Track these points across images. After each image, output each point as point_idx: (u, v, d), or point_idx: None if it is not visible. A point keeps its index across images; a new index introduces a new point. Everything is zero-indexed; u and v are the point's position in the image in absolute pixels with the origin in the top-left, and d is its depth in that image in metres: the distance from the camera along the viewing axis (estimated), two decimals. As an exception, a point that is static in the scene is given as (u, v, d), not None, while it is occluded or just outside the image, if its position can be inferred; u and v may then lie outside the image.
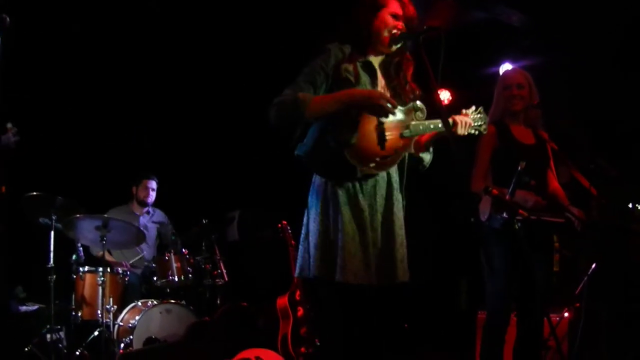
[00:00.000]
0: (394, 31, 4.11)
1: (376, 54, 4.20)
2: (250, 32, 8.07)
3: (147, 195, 8.53)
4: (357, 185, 3.99)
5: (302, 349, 6.90)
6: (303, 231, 4.07)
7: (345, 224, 3.91)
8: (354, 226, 3.95)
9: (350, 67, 4.04)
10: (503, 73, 5.79)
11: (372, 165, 3.99)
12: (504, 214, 4.90)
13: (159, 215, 8.75)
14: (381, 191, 4.11)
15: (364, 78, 4.09)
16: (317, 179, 4.05)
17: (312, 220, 3.99)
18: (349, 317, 3.98)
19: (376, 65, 4.20)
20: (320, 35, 4.18)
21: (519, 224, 4.73)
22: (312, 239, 3.95)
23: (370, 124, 3.92)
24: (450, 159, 3.81)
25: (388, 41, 4.12)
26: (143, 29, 7.85)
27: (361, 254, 3.95)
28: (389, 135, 3.97)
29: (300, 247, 4.07)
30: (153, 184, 8.56)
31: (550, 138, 5.70)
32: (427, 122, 4.11)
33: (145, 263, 8.15)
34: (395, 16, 4.12)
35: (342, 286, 3.88)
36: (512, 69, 5.78)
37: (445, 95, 7.92)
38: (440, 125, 4.07)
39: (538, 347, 5.48)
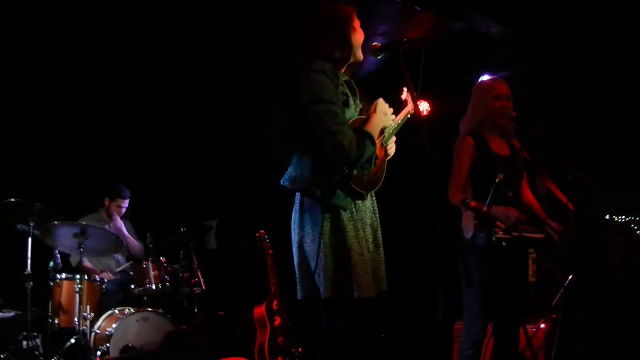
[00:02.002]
0: (375, 43, 4.14)
1: (344, 69, 4.22)
2: (229, 41, 8.05)
3: (120, 213, 8.54)
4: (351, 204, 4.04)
5: (279, 359, 6.90)
6: (299, 254, 4.08)
7: (352, 242, 3.96)
8: (358, 243, 4.00)
9: (344, 89, 4.07)
10: (488, 82, 5.73)
11: (373, 186, 4.06)
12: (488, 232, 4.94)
13: (128, 226, 8.73)
14: (370, 203, 4.15)
15: (350, 98, 4.12)
16: (306, 202, 4.06)
17: (310, 242, 4.00)
18: (357, 332, 4.02)
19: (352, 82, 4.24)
20: (294, 48, 4.18)
21: (504, 243, 4.77)
22: (319, 261, 3.96)
23: None
24: (427, 167, 3.84)
25: (361, 57, 4.16)
26: (117, 37, 7.80)
27: (369, 268, 4.03)
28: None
29: (299, 270, 4.09)
30: (126, 203, 8.56)
31: (523, 148, 5.72)
32: (394, 124, 4.17)
33: (124, 270, 8.13)
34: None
35: (357, 303, 3.94)
36: (497, 79, 5.76)
37: (424, 107, 7.93)
38: (406, 117, 4.15)
39: (514, 358, 5.50)
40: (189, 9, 7.34)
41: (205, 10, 7.40)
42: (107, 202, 8.53)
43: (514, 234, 5.02)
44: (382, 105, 4.16)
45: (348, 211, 4.00)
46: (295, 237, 4.11)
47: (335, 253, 3.94)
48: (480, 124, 5.58)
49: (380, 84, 4.37)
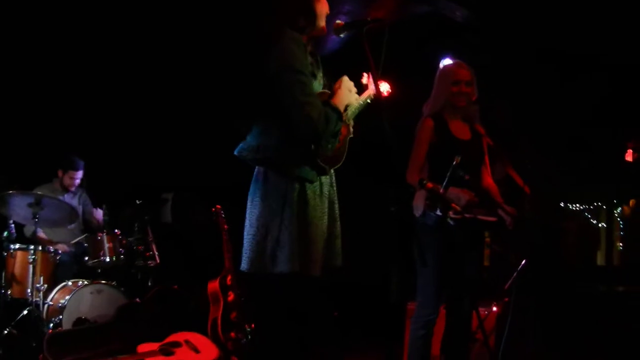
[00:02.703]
0: (337, 21, 4.13)
1: (307, 40, 4.17)
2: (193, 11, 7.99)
3: (72, 184, 8.43)
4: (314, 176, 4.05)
5: (232, 334, 6.90)
6: (255, 225, 4.03)
7: (314, 216, 3.99)
8: (320, 217, 4.01)
9: (313, 62, 4.06)
10: (449, 67, 5.74)
11: (335, 162, 4.08)
12: (437, 211, 4.95)
13: (83, 196, 8.67)
14: (328, 176, 4.16)
15: (315, 69, 4.11)
16: (269, 174, 4.03)
17: (269, 215, 3.97)
18: (308, 309, 4.03)
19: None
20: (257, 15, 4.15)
21: (453, 223, 4.79)
22: (280, 235, 3.93)
23: None
24: (385, 148, 3.85)
25: (326, 30, 4.15)
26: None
27: (325, 244, 4.07)
28: None
29: (251, 241, 4.03)
30: (80, 174, 8.45)
31: (487, 133, 5.75)
32: (356, 103, 4.18)
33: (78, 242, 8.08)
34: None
35: (307, 279, 3.94)
36: (459, 64, 5.77)
37: (384, 87, 7.94)
38: (368, 99, 4.16)
39: (466, 340, 5.55)
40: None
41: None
42: (60, 173, 8.44)
43: (466, 215, 5.05)
44: (346, 82, 4.16)
45: (315, 184, 4.00)
46: (254, 209, 4.06)
47: (299, 227, 3.93)
48: (441, 107, 5.60)
49: (343, 64, 4.35)
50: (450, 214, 4.88)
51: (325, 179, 4.13)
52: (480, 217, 5.31)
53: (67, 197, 8.36)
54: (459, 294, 5.39)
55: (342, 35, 4.15)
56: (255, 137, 4.06)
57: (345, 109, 4.15)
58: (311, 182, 3.99)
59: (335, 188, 4.26)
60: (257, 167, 4.11)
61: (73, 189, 8.46)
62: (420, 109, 5.74)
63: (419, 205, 5.30)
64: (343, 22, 4.11)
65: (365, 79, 4.40)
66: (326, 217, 4.13)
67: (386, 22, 4.03)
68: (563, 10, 7.77)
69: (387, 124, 3.91)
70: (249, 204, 4.11)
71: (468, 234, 5.22)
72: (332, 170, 4.22)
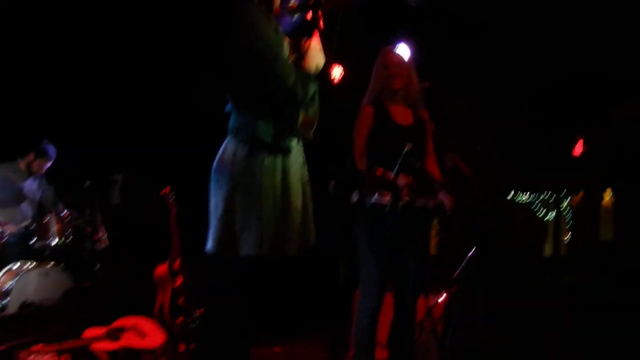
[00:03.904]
0: (291, 2, 4.11)
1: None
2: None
3: (40, 171, 8.30)
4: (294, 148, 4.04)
5: (179, 319, 6.88)
6: (221, 206, 3.94)
7: (287, 197, 3.95)
8: (293, 199, 3.99)
9: (275, 26, 4.02)
10: (380, 52, 5.78)
11: (314, 123, 4.09)
12: (376, 196, 4.96)
13: (42, 180, 8.56)
14: (300, 155, 4.14)
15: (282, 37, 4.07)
16: (239, 152, 3.94)
17: (234, 195, 3.90)
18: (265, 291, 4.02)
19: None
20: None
21: (389, 208, 4.80)
22: (242, 215, 3.87)
23: None
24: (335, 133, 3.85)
25: (280, 11, 4.12)
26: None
27: (301, 224, 4.05)
28: None
29: (218, 222, 3.95)
30: (49, 164, 8.35)
31: (431, 118, 5.76)
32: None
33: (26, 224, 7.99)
34: None
35: (278, 260, 3.93)
36: (389, 49, 5.80)
37: (337, 72, 7.95)
38: None
39: (411, 328, 5.55)
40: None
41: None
42: (31, 156, 8.30)
43: (404, 199, 5.04)
44: (315, 42, 4.12)
45: (288, 162, 3.96)
46: (220, 190, 3.96)
47: (271, 208, 3.87)
48: (379, 93, 5.60)
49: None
50: (386, 199, 4.89)
51: (296, 158, 4.09)
52: (418, 203, 5.30)
53: (28, 181, 8.26)
54: (401, 282, 5.40)
55: (295, 17, 4.13)
56: (233, 118, 4.01)
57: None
58: (289, 152, 3.96)
59: (306, 167, 4.22)
60: (225, 144, 4.05)
61: (38, 175, 8.35)
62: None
63: (356, 190, 5.29)
64: (296, 4, 4.09)
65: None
66: (300, 196, 4.10)
67: (339, 4, 4.02)
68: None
69: (338, 107, 3.91)
70: (214, 184, 4.02)
71: (410, 221, 5.21)
72: (302, 150, 4.18)
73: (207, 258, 3.98)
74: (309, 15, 3.97)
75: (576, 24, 8.08)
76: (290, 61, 3.95)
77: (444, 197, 5.43)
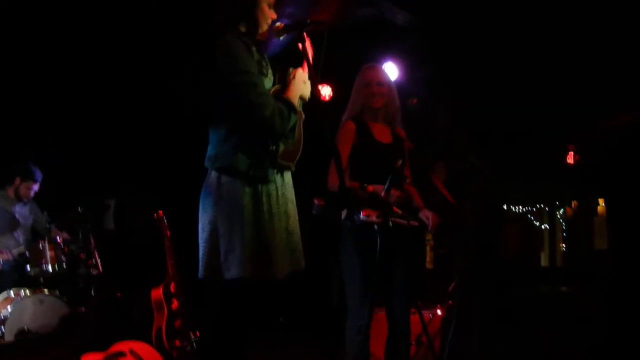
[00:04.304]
0: (277, 24, 4.13)
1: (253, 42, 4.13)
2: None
3: (28, 195, 8.30)
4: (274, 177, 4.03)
5: (177, 342, 6.88)
6: (207, 230, 3.98)
7: (271, 219, 3.95)
8: (278, 219, 4.00)
9: (258, 57, 4.04)
10: (361, 70, 5.80)
11: (296, 154, 4.10)
12: (361, 215, 4.97)
13: (32, 204, 8.57)
14: (289, 178, 4.15)
15: (264, 67, 4.08)
16: (222, 178, 3.96)
17: (224, 219, 3.92)
18: (259, 313, 4.02)
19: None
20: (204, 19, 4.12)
21: (376, 226, 4.81)
22: (233, 239, 3.88)
23: None
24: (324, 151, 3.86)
25: (267, 33, 4.14)
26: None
27: (291, 247, 4.07)
28: None
29: (204, 245, 3.98)
30: (37, 186, 8.34)
31: (407, 137, 5.78)
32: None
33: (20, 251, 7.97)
34: (269, 5, 4.15)
35: (266, 283, 3.92)
36: (371, 66, 5.81)
37: (326, 91, 7.98)
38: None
39: (403, 344, 5.54)
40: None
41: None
42: (17, 181, 8.31)
43: (391, 219, 5.05)
44: (300, 73, 4.13)
45: (271, 186, 3.98)
46: (205, 214, 4.00)
47: (253, 231, 3.87)
48: (360, 111, 5.63)
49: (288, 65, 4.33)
50: (372, 218, 4.90)
51: (282, 180, 4.11)
52: (399, 221, 5.29)
53: (17, 207, 8.26)
54: (388, 299, 5.41)
55: (282, 38, 4.15)
56: (212, 146, 4.03)
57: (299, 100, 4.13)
58: (267, 182, 3.97)
59: (292, 188, 4.24)
60: (209, 171, 4.07)
61: (26, 199, 8.36)
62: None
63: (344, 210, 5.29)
64: (282, 25, 4.11)
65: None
66: (289, 218, 4.11)
67: (325, 24, 4.03)
68: (502, 11, 7.85)
69: (327, 128, 3.91)
70: (200, 208, 4.06)
71: (394, 239, 5.20)
72: (289, 171, 4.20)
73: (200, 281, 4.00)
74: (300, 45, 3.99)
75: (564, 33, 8.10)
76: (272, 91, 3.97)
77: (426, 216, 5.45)
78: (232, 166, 3.90)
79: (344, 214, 5.23)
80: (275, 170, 4.02)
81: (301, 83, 4.10)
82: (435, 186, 5.57)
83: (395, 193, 5.14)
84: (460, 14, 7.90)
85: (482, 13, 7.85)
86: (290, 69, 4.12)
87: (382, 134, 5.59)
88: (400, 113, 5.74)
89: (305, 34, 4.00)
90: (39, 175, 8.28)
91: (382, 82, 5.62)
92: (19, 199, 8.30)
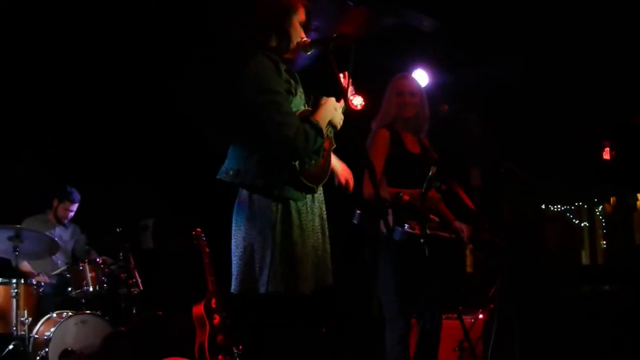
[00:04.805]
0: (304, 39, 4.13)
1: (281, 60, 4.11)
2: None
3: (66, 216, 8.41)
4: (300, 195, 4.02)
5: (220, 357, 6.89)
6: (240, 246, 3.98)
7: (300, 235, 3.94)
8: (307, 236, 3.99)
9: (287, 77, 4.03)
10: (394, 79, 5.80)
11: (321, 178, 4.07)
12: (406, 227, 4.96)
13: (74, 228, 8.65)
14: (318, 193, 4.15)
15: (293, 86, 4.08)
16: (253, 196, 3.97)
17: (256, 235, 3.92)
18: (296, 327, 4.02)
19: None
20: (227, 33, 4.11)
21: (422, 240, 4.80)
22: (265, 256, 3.88)
23: None
24: (356, 161, 3.85)
25: (295, 48, 4.14)
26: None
27: (315, 262, 4.03)
28: None
29: (238, 262, 3.99)
30: (75, 207, 8.43)
31: (439, 143, 5.78)
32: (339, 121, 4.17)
33: (60, 273, 8.04)
34: (301, 23, 4.15)
35: (299, 298, 3.92)
36: (404, 75, 5.82)
37: (358, 101, 7.96)
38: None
39: (433, 354, 5.52)
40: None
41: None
42: (55, 202, 8.41)
43: (428, 232, 5.04)
44: (333, 100, 4.13)
45: (299, 203, 3.98)
46: (239, 231, 4.00)
47: (284, 247, 3.87)
48: (392, 120, 5.63)
49: (318, 79, 4.33)
50: (416, 230, 4.89)
51: (312, 197, 4.11)
52: (439, 233, 5.29)
53: (57, 230, 8.36)
54: (423, 310, 5.40)
55: (309, 53, 4.15)
56: (234, 161, 4.02)
57: (328, 126, 4.12)
58: (296, 200, 3.97)
59: (324, 205, 4.24)
60: (241, 189, 4.08)
61: (66, 221, 8.44)
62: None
63: (388, 220, 5.28)
64: (309, 40, 4.11)
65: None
66: (318, 234, 4.12)
67: (351, 37, 4.02)
68: (532, 12, 7.81)
69: (358, 138, 3.91)
70: (233, 225, 4.06)
71: (434, 249, 5.19)
72: (320, 187, 4.20)
73: (236, 296, 4.01)
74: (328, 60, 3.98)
75: (597, 27, 8.05)
76: (300, 112, 3.97)
77: (460, 228, 5.45)
78: (255, 183, 3.91)
79: (383, 225, 5.24)
80: (300, 192, 4.01)
81: (332, 109, 4.09)
82: (460, 196, 5.57)
83: (433, 194, 5.15)
84: (488, 12, 7.86)
85: (512, 9, 7.81)
86: (323, 97, 4.12)
87: (412, 144, 5.61)
88: (429, 123, 5.74)
89: (331, 47, 3.99)
90: (76, 195, 8.36)
91: (415, 92, 5.63)
92: (58, 221, 8.40)
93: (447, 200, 5.63)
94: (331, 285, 4.15)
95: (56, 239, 8.02)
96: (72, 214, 8.45)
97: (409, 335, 5.33)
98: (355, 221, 5.15)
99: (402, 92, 5.62)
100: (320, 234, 4.13)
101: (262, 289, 3.88)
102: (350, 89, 4.13)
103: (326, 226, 4.20)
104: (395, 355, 5.34)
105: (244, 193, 4.02)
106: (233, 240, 4.06)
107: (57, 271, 8.00)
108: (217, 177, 4.05)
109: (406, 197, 4.88)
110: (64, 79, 8.26)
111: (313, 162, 3.98)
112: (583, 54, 8.44)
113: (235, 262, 4.03)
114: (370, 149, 5.51)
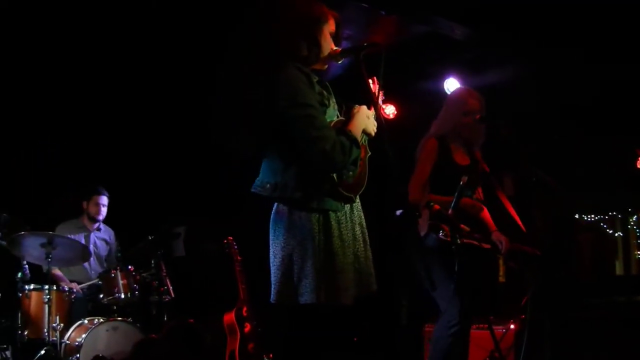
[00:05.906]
0: (335, 48, 4.12)
1: (313, 71, 4.08)
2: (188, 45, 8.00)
3: (98, 212, 8.44)
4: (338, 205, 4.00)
5: (251, 365, 6.90)
6: (279, 256, 3.95)
7: (341, 246, 3.93)
8: (347, 246, 3.97)
9: (319, 88, 4.02)
10: (462, 95, 5.75)
11: (359, 187, 4.05)
12: (440, 234, 4.94)
13: (108, 232, 8.69)
14: (358, 204, 4.14)
15: (326, 97, 4.07)
16: (292, 209, 3.95)
17: (296, 245, 3.90)
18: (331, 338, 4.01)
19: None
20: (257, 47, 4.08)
21: (455, 247, 4.78)
22: (305, 266, 3.87)
23: None
24: (387, 167, 3.83)
25: (327, 58, 4.13)
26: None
27: (359, 270, 4.02)
28: None
29: (277, 272, 3.96)
30: (104, 200, 8.46)
31: (488, 150, 5.76)
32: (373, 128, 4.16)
33: (93, 280, 8.07)
34: (331, 34, 4.14)
35: (339, 308, 3.91)
36: (471, 93, 5.77)
37: (390, 110, 7.95)
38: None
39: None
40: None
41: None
42: (84, 204, 8.46)
43: (464, 240, 5.03)
44: (365, 109, 4.12)
45: (339, 213, 3.96)
46: (277, 241, 3.98)
47: (323, 258, 3.86)
48: (448, 132, 5.62)
49: (351, 87, 4.31)
50: (449, 238, 4.88)
51: (350, 205, 4.09)
52: (475, 242, 5.28)
53: (93, 236, 8.40)
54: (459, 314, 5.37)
55: (340, 62, 4.15)
56: (270, 174, 3.99)
57: (362, 134, 4.11)
58: (335, 211, 3.96)
59: (361, 212, 4.23)
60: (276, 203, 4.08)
61: (101, 217, 8.47)
62: (420, 131, 5.76)
63: (423, 224, 5.28)
64: (340, 49, 4.10)
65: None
66: (359, 242, 4.10)
67: (382, 46, 4.01)
68: (562, 18, 7.77)
69: (389, 146, 3.89)
70: (271, 234, 4.04)
71: (468, 259, 5.17)
72: (357, 198, 4.19)
73: (272, 305, 4.00)
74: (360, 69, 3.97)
75: (624, 32, 8.00)
76: (334, 123, 3.96)
77: (499, 240, 5.42)
78: (294, 196, 3.88)
79: (421, 230, 5.24)
80: (339, 202, 4.00)
81: (364, 118, 4.07)
82: (507, 210, 5.54)
83: (474, 203, 5.15)
84: (519, 15, 7.82)
85: (538, 15, 7.77)
86: (356, 106, 4.11)
87: (461, 155, 5.61)
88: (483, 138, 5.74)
89: (362, 56, 3.99)
90: (101, 188, 8.39)
91: (483, 117, 5.61)
92: (93, 220, 8.41)
93: (494, 213, 5.63)
94: (374, 291, 4.14)
95: (91, 245, 8.08)
96: (104, 208, 8.48)
97: (468, 335, 5.31)
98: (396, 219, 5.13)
99: (471, 112, 5.61)
100: (361, 242, 4.10)
101: (302, 299, 3.87)
102: (381, 95, 4.14)
103: (366, 233, 4.17)
104: (445, 347, 5.29)
105: (282, 204, 4.01)
106: (271, 250, 4.04)
107: (89, 283, 8.03)
108: (252, 190, 4.02)
109: (436, 207, 4.87)
110: (93, 84, 8.32)
111: (351, 173, 3.97)
112: (616, 61, 8.39)
113: (273, 271, 4.01)
114: (419, 156, 5.53)
